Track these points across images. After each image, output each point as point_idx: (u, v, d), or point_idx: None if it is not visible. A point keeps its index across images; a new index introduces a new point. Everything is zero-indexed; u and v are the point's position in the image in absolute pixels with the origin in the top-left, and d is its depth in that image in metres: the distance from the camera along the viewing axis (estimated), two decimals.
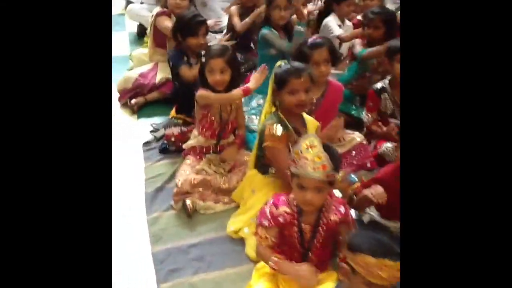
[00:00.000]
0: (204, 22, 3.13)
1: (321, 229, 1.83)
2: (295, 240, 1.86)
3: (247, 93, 2.61)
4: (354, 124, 3.20)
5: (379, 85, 2.86)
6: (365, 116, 2.92)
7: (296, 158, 1.72)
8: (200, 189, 2.51)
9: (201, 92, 2.58)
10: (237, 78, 2.70)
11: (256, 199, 2.28)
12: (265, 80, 3.20)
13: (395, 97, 2.79)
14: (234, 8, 4.06)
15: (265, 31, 3.33)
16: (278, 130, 2.16)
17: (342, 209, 1.87)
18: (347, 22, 3.97)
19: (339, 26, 3.88)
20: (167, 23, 3.57)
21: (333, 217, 1.83)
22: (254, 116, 3.19)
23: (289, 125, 2.19)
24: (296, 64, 2.25)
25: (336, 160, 1.75)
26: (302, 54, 2.63)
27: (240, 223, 2.29)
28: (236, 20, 3.95)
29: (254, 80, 2.66)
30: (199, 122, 2.70)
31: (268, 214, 1.84)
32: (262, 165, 2.35)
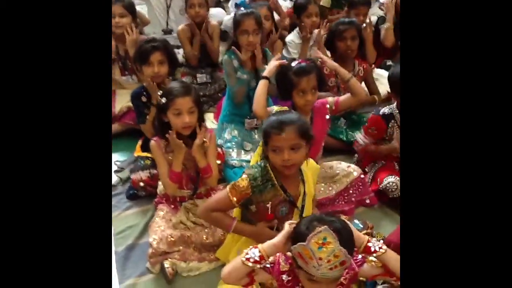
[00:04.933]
0: (158, 47, 2.67)
1: None
2: None
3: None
4: (344, 149, 2.92)
5: (386, 110, 2.51)
6: (361, 139, 2.60)
7: (306, 257, 1.36)
8: (180, 247, 2.13)
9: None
10: (203, 119, 2.34)
11: None
12: (239, 106, 2.88)
13: None
14: (182, 32, 3.61)
15: (225, 57, 2.92)
16: (242, 183, 1.80)
17: None
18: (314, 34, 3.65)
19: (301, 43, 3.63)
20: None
21: None
22: (230, 150, 2.82)
23: (275, 181, 1.83)
24: (284, 116, 1.81)
25: (352, 243, 1.46)
26: (286, 80, 2.28)
27: None
28: (187, 49, 3.59)
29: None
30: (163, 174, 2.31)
31: (276, 264, 1.55)
32: (248, 220, 1.96)
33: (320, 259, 1.34)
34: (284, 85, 2.31)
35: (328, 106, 2.38)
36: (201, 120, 2.25)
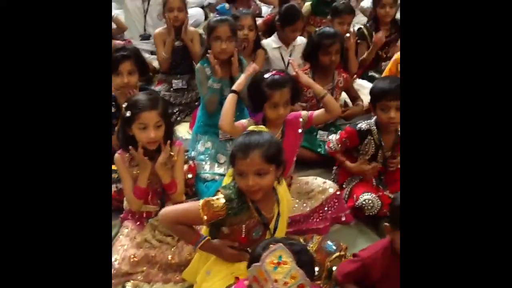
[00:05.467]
0: (128, 56, 2.57)
1: None
2: None
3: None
4: (321, 162, 2.83)
5: (364, 126, 2.44)
6: (334, 141, 2.54)
7: (261, 280, 1.26)
8: (144, 268, 2.02)
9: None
10: (171, 132, 2.22)
11: (212, 284, 1.80)
12: (213, 117, 2.78)
13: (382, 141, 2.42)
14: (158, 35, 3.52)
15: (199, 65, 2.84)
16: (217, 202, 1.69)
17: None
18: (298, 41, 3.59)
19: (279, 47, 3.57)
20: None
21: None
22: (203, 162, 2.71)
23: (250, 204, 1.74)
24: (252, 137, 1.70)
25: (312, 267, 1.35)
26: (259, 92, 2.19)
27: None
28: (160, 51, 3.49)
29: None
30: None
31: None
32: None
33: (276, 281, 1.24)
34: (256, 97, 2.21)
35: (301, 119, 2.29)
36: (168, 133, 2.13)
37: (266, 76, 2.18)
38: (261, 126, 1.93)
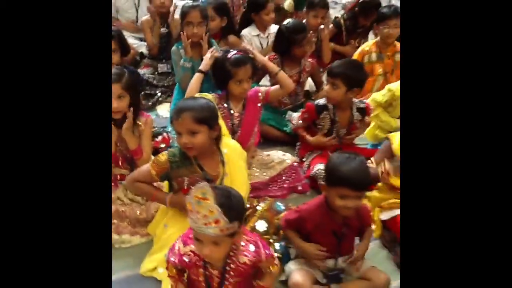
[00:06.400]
0: (112, 36, 2.81)
1: (229, 276, 1.63)
2: (201, 286, 1.66)
3: None
4: (286, 141, 3.07)
5: (322, 101, 2.73)
6: (296, 118, 2.83)
7: (189, 209, 1.50)
8: (115, 221, 2.27)
9: None
10: (138, 104, 2.43)
11: (169, 235, 2.06)
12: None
13: (336, 116, 2.68)
14: (145, 22, 3.81)
15: (173, 48, 3.13)
16: (162, 157, 2.01)
17: (252, 248, 1.65)
18: (272, 29, 3.84)
19: (258, 35, 3.83)
20: None
21: (243, 259, 1.62)
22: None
23: (193, 160, 2.00)
24: (184, 102, 2.02)
25: (236, 210, 1.55)
26: (223, 71, 2.44)
27: (154, 262, 2.06)
28: (149, 39, 3.77)
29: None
30: None
31: (176, 250, 1.66)
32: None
33: (198, 212, 1.46)
34: (221, 75, 2.46)
35: (260, 94, 2.55)
36: (135, 104, 2.36)
37: (228, 56, 2.43)
38: (206, 93, 2.19)
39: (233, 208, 1.53)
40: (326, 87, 2.58)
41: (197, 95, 2.25)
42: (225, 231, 1.50)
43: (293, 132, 2.89)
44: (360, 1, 4.00)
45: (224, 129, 2.16)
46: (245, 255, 1.63)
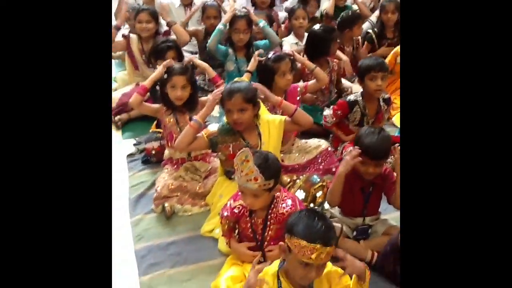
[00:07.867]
0: (172, 47, 3.38)
1: (270, 223, 2.06)
2: (248, 233, 2.09)
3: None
4: (322, 133, 3.46)
5: (352, 97, 3.09)
6: (329, 115, 3.15)
7: (235, 168, 1.95)
8: (178, 193, 2.73)
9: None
10: (195, 96, 2.89)
11: (223, 203, 2.44)
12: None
13: (367, 109, 3.05)
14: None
15: (223, 48, 3.72)
16: (211, 126, 2.46)
17: (289, 202, 2.05)
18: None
19: (296, 43, 4.32)
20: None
21: (282, 210, 2.04)
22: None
23: (236, 132, 2.44)
24: (234, 85, 2.40)
25: (272, 170, 1.94)
26: (267, 68, 2.91)
27: (212, 225, 2.53)
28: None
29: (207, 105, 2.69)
30: (165, 137, 2.97)
31: (228, 206, 2.10)
32: (227, 171, 2.60)
33: (241, 171, 1.92)
34: (266, 73, 2.92)
35: (299, 89, 3.00)
36: (194, 94, 2.85)
37: (269, 56, 2.92)
38: (243, 78, 2.65)
39: (269, 168, 1.95)
40: (379, 81, 2.90)
41: (236, 79, 2.64)
42: (263, 186, 1.94)
43: (326, 128, 3.27)
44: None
45: (263, 107, 2.57)
46: (283, 207, 2.06)
